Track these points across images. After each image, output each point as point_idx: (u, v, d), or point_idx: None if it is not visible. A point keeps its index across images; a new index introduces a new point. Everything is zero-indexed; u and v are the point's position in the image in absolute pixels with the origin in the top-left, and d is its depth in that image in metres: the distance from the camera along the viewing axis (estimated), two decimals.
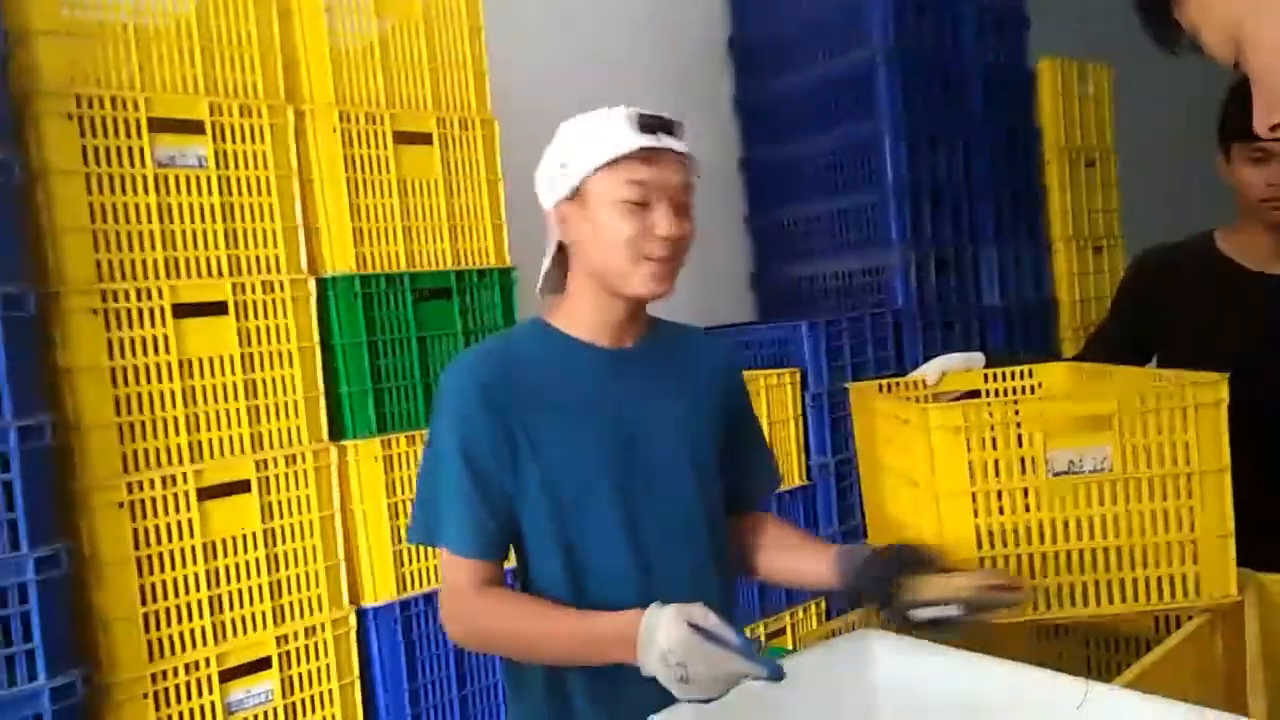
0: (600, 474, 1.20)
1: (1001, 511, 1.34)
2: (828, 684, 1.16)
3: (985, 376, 1.80)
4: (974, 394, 1.83)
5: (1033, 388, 1.83)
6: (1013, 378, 1.82)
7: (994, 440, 1.34)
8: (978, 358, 1.80)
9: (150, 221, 1.71)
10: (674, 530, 1.24)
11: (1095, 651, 1.56)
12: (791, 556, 1.33)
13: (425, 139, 2.03)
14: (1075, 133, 3.34)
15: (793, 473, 2.60)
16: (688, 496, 1.26)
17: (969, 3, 3.06)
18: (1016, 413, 1.32)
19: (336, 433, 1.92)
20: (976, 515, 1.34)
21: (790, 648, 2.32)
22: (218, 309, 1.78)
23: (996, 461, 1.34)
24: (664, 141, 1.16)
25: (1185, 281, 1.75)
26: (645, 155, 1.15)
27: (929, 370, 1.77)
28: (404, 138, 2.00)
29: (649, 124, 1.15)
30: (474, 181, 2.10)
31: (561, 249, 1.26)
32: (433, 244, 2.04)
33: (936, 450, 1.35)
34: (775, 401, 2.55)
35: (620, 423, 1.21)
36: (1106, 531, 1.31)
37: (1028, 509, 1.33)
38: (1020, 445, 1.33)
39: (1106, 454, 1.32)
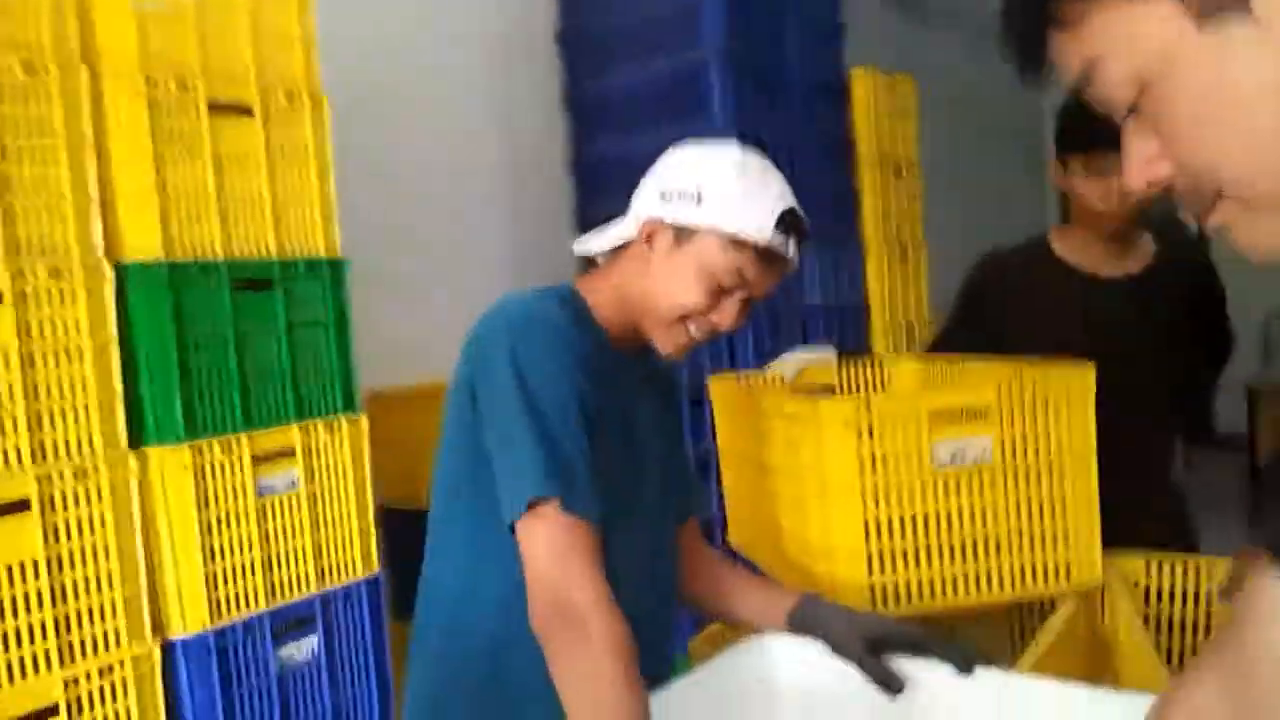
0: (624, 485, 1.14)
1: (888, 504, 1.34)
2: (729, 689, 1.12)
3: (840, 371, 1.84)
4: (829, 389, 1.86)
5: (883, 382, 1.88)
6: (865, 371, 1.86)
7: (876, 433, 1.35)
8: (829, 353, 1.83)
9: None
10: (650, 554, 1.21)
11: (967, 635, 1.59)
12: (733, 598, 1.28)
13: (246, 111, 1.82)
14: (885, 142, 3.50)
15: None
16: (667, 518, 1.25)
17: (793, 12, 3.14)
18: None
19: (136, 439, 1.69)
20: (865, 509, 1.34)
21: None
22: None
23: (885, 455, 1.34)
24: (790, 252, 1.13)
25: (1022, 285, 1.82)
26: (768, 255, 1.11)
27: (787, 365, 1.78)
28: (221, 109, 1.78)
29: (792, 228, 1.11)
30: (302, 162, 1.90)
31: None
32: (253, 229, 1.83)
33: (828, 443, 1.34)
34: None
35: (638, 444, 1.19)
36: (987, 521, 1.33)
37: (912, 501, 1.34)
38: (904, 437, 1.34)
39: (987, 445, 1.35)
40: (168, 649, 1.69)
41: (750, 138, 2.90)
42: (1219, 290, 1.88)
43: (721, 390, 1.80)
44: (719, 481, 1.88)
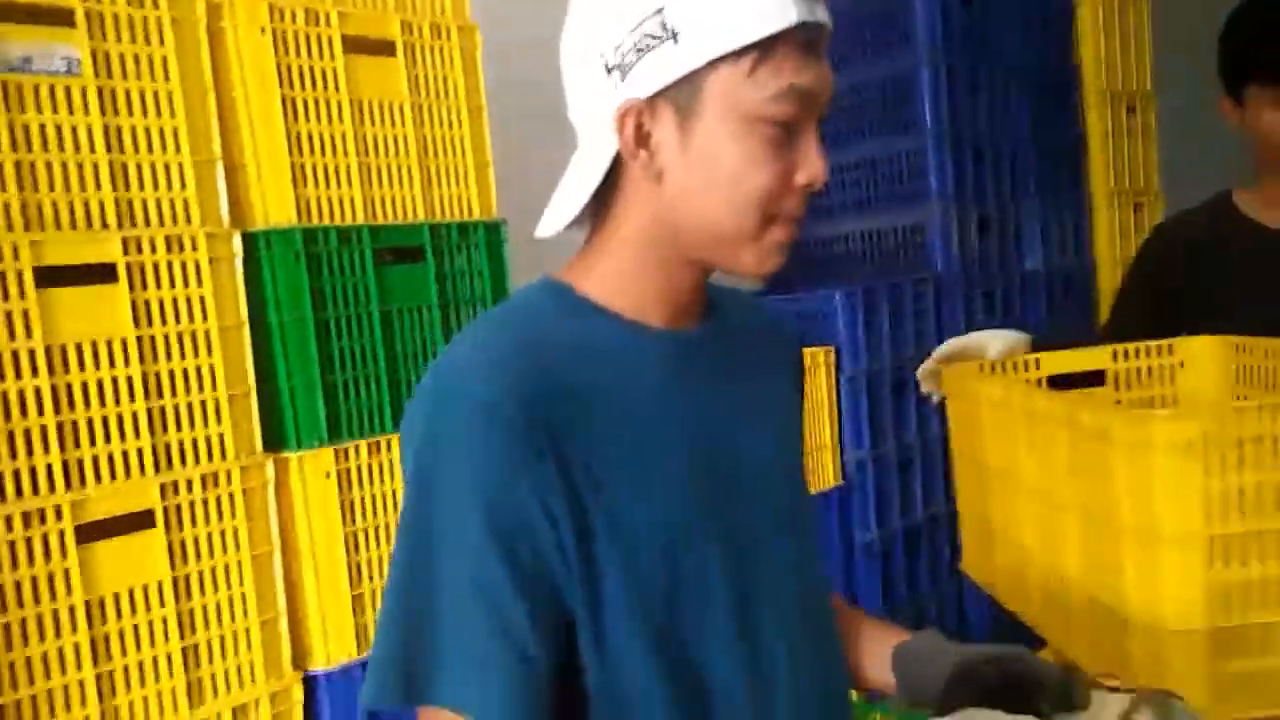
0: (698, 525, 0.74)
1: (1244, 563, 0.98)
2: None
3: (1114, 355, 1.46)
4: (1095, 378, 1.49)
5: (1173, 369, 1.49)
6: (1143, 355, 1.47)
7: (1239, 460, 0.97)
8: (1019, 337, 1.52)
9: None
10: (790, 603, 0.81)
11: None
12: (858, 649, 0.91)
13: (387, 49, 1.55)
14: (1116, 75, 3.00)
15: (826, 471, 2.22)
16: (803, 551, 0.84)
17: None
18: None
19: (273, 442, 1.46)
20: (1211, 565, 0.97)
21: None
22: (102, 274, 1.29)
23: (1241, 491, 0.97)
24: (820, 16, 0.71)
25: (1205, 248, 1.53)
26: (807, 39, 0.70)
27: (990, 346, 1.48)
28: (358, 45, 1.51)
29: None
30: (452, 107, 1.62)
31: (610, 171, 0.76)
32: (399, 189, 1.57)
33: (1159, 478, 0.97)
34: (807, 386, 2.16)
35: (708, 445, 0.77)
36: None
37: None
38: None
39: None
40: (310, 683, 1.48)
41: (960, 73, 2.49)
42: None
43: (959, 382, 1.44)
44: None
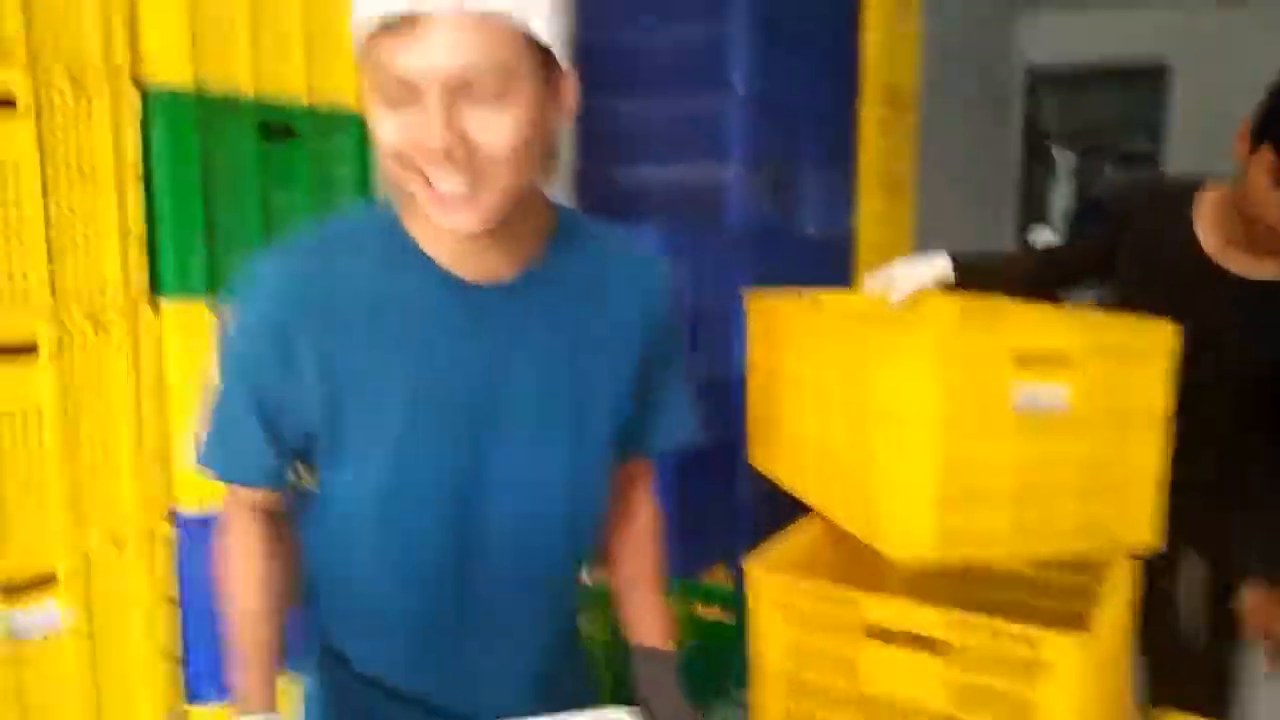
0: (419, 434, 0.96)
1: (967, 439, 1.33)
2: None
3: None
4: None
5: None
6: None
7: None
8: (942, 264, 1.70)
9: None
10: (512, 563, 1.03)
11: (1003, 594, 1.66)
12: (623, 602, 1.17)
13: None
14: (891, 67, 3.52)
15: None
16: (549, 500, 1.03)
17: None
18: None
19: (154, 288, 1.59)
20: (945, 446, 1.33)
21: None
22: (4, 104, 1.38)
23: (968, 393, 1.32)
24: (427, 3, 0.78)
25: (1164, 248, 1.73)
26: (404, 25, 0.78)
27: (898, 285, 1.67)
28: None
29: None
30: None
31: None
32: (283, 66, 1.73)
33: (909, 375, 1.34)
34: None
35: (471, 394, 0.96)
36: (1052, 472, 1.35)
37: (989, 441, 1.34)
38: (987, 375, 1.33)
39: (1063, 392, 1.36)
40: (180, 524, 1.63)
41: (770, 40, 2.89)
42: None
43: (760, 308, 1.79)
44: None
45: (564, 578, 1.10)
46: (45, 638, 1.46)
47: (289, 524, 1.06)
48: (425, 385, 0.93)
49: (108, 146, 1.49)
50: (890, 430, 1.36)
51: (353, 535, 1.00)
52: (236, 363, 0.96)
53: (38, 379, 1.44)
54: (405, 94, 0.80)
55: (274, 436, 0.96)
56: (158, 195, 1.57)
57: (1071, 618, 1.63)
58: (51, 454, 1.45)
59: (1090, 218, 2.03)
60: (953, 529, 1.35)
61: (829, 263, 3.30)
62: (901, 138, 3.63)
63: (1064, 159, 6.42)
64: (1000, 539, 1.37)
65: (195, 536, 1.62)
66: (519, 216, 0.92)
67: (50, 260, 1.44)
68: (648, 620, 1.14)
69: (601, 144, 3.10)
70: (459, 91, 0.80)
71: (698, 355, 2.72)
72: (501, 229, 0.90)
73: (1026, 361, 1.35)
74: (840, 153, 3.34)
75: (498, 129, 0.82)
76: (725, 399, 2.82)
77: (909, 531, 1.35)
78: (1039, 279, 1.82)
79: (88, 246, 1.48)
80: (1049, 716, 1.16)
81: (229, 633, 1.02)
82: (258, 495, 1.01)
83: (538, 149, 0.88)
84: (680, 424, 1.14)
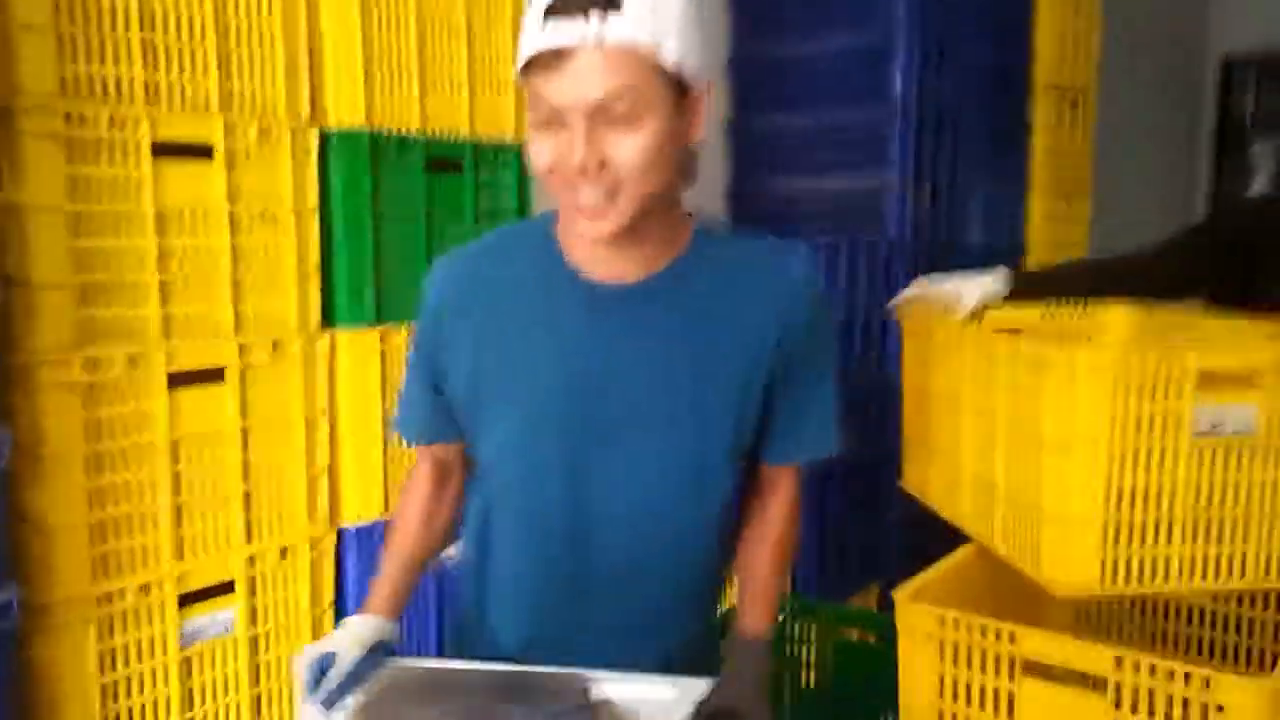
0: (543, 415, 1.06)
1: (1137, 472, 1.29)
2: None
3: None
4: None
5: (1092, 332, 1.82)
6: (1068, 318, 1.71)
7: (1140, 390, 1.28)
8: (999, 279, 1.63)
9: (130, 28, 1.43)
10: (625, 550, 1.08)
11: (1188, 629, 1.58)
12: (739, 591, 1.19)
13: None
14: (1064, 68, 3.39)
15: None
16: (660, 490, 1.07)
17: None
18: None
19: (328, 319, 1.72)
20: (1111, 475, 1.29)
21: None
22: (203, 152, 1.53)
23: (1141, 417, 1.28)
24: (572, 36, 0.90)
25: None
26: (552, 60, 0.91)
27: (966, 296, 1.60)
28: None
29: (556, 6, 0.91)
30: (498, 16, 1.87)
31: None
32: (450, 101, 1.83)
33: (1081, 397, 1.29)
34: None
35: (588, 379, 1.04)
36: (1240, 500, 1.29)
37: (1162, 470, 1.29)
38: (1166, 398, 1.28)
39: (1251, 415, 1.30)
40: (340, 536, 1.76)
41: (929, 48, 2.83)
42: None
43: (915, 321, 1.76)
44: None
45: (681, 574, 1.12)
46: (217, 640, 1.60)
47: (460, 477, 1.20)
48: (550, 367, 1.05)
49: (288, 187, 1.61)
50: (1056, 454, 1.32)
51: (494, 501, 1.12)
52: (416, 340, 1.15)
53: (223, 402, 1.57)
54: (554, 118, 0.93)
55: (439, 403, 1.12)
56: (334, 230, 1.69)
57: (1253, 656, 1.54)
58: (233, 470, 1.59)
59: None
60: (1120, 561, 1.31)
61: None
62: (1078, 139, 3.48)
63: (1264, 153, 5.96)
64: (1173, 572, 1.31)
65: (357, 547, 1.73)
66: (650, 225, 1.00)
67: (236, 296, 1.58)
68: (749, 611, 1.15)
69: (759, 156, 3.11)
70: (597, 115, 0.91)
71: (854, 369, 2.70)
72: (630, 235, 0.98)
73: (1212, 381, 1.28)
74: (1008, 159, 3.24)
75: (630, 147, 0.93)
76: (882, 414, 2.79)
77: (1073, 563, 1.31)
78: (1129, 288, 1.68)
79: (270, 279, 1.61)
80: None
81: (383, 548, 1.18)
82: (434, 449, 1.17)
83: (669, 163, 0.97)
84: (822, 434, 1.14)
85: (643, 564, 1.09)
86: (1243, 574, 1.32)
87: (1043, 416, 1.34)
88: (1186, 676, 1.12)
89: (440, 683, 1.06)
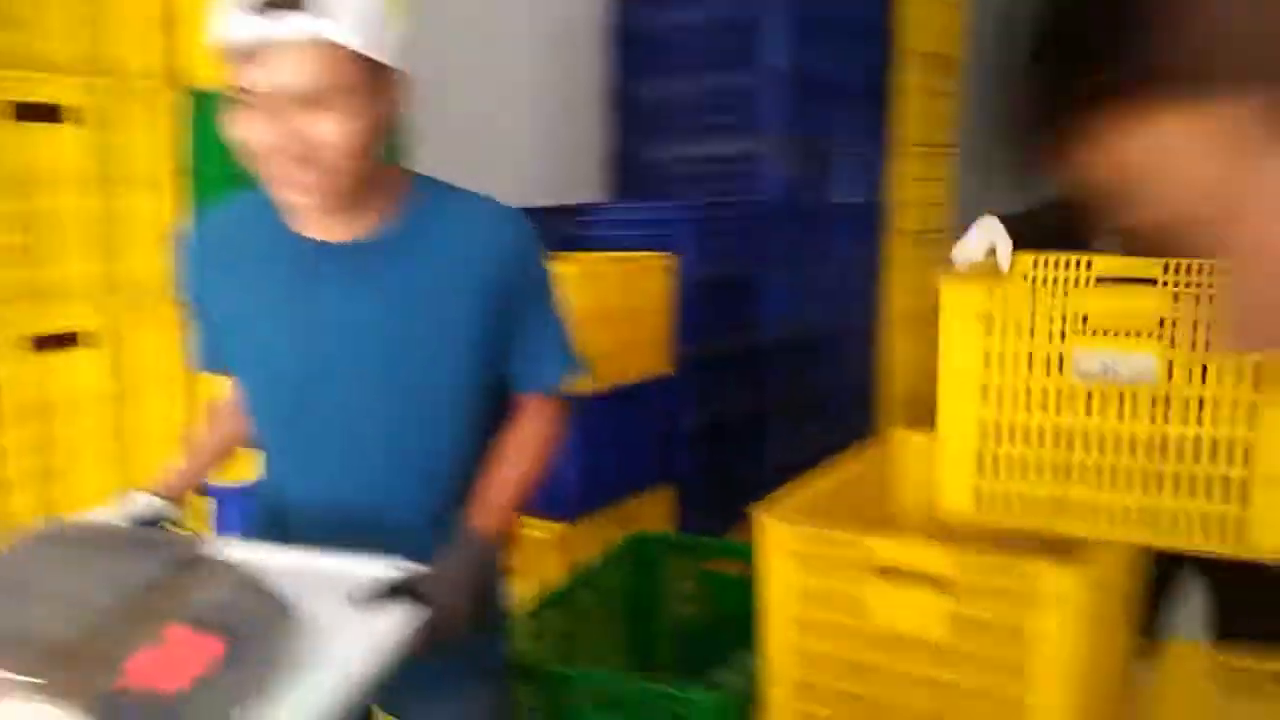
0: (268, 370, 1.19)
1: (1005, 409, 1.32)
2: None
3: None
4: None
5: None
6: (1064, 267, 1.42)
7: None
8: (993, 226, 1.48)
9: None
10: (342, 452, 1.19)
11: None
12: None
13: None
14: (932, 36, 3.53)
15: (660, 360, 2.64)
16: (372, 411, 1.18)
17: None
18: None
19: None
20: (982, 409, 1.33)
21: None
22: (68, 114, 1.53)
23: (1017, 355, 1.30)
24: (263, 30, 0.97)
25: None
26: (246, 50, 0.98)
27: (1001, 249, 1.44)
28: None
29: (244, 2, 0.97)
30: None
31: None
32: None
33: (953, 332, 1.35)
34: (640, 288, 2.55)
35: (304, 332, 1.15)
36: (1140, 451, 1.26)
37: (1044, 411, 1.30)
38: (1050, 340, 1.30)
39: (1149, 363, 1.25)
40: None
41: (798, 17, 2.93)
42: None
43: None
44: None
45: (427, 506, 1.21)
46: None
47: None
48: (274, 323, 1.16)
49: (157, 148, 1.63)
50: (944, 389, 1.37)
51: (257, 416, 1.23)
52: (186, 285, 1.24)
53: (94, 364, 1.58)
54: (252, 100, 1.00)
55: (212, 339, 1.25)
56: (205, 192, 1.70)
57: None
58: (106, 433, 1.61)
59: None
60: (991, 494, 1.36)
61: (864, 229, 3.37)
62: (943, 104, 3.65)
63: None
64: (1040, 511, 1.33)
65: (235, 508, 1.76)
66: (360, 190, 1.09)
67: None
68: (480, 507, 1.20)
69: (640, 123, 3.19)
70: (293, 101, 0.99)
71: (727, 326, 2.80)
72: (338, 201, 1.08)
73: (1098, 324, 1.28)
74: (874, 122, 3.39)
75: (326, 130, 1.01)
76: (755, 368, 2.91)
77: (952, 490, 1.38)
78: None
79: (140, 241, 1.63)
80: (1044, 645, 1.18)
81: None
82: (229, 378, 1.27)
83: (369, 139, 1.05)
84: (555, 362, 1.25)
85: (383, 489, 1.20)
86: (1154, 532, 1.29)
87: (941, 352, 1.37)
88: (1013, 570, 1.19)
89: (84, 538, 1.01)
